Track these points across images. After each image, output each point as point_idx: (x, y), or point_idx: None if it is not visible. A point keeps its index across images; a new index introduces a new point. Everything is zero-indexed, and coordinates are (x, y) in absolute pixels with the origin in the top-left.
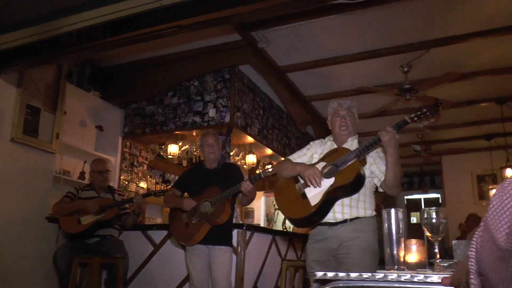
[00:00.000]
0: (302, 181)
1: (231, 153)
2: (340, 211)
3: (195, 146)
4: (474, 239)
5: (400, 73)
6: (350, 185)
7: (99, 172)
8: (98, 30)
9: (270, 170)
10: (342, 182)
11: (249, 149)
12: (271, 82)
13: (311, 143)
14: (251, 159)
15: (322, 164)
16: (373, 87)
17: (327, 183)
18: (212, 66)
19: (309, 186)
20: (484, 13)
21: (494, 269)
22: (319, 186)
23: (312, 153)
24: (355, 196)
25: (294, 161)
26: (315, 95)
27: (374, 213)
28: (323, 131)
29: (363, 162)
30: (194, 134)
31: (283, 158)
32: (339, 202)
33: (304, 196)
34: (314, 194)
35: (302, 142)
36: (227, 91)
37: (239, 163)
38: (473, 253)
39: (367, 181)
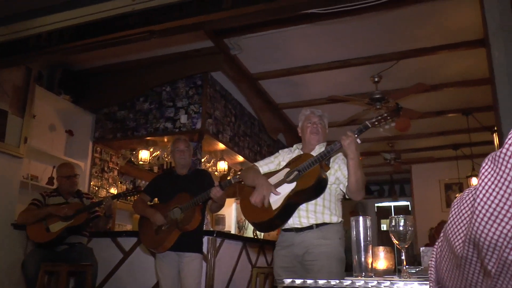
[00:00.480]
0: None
1: (202, 160)
2: (305, 216)
3: (166, 152)
4: (435, 248)
5: (371, 83)
6: (311, 189)
7: (67, 177)
8: (68, 32)
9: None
10: (303, 186)
11: (221, 156)
12: (243, 89)
13: (280, 151)
14: (222, 166)
15: (286, 170)
16: (344, 96)
17: (289, 187)
18: (184, 72)
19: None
20: (451, 27)
21: (451, 278)
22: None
23: (280, 160)
24: (319, 202)
25: (261, 168)
26: (287, 103)
27: (341, 219)
28: (294, 139)
29: (326, 168)
30: (166, 140)
31: None
32: (303, 207)
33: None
34: (276, 199)
35: (274, 149)
36: (199, 97)
37: (210, 169)
38: (433, 262)
39: (333, 187)
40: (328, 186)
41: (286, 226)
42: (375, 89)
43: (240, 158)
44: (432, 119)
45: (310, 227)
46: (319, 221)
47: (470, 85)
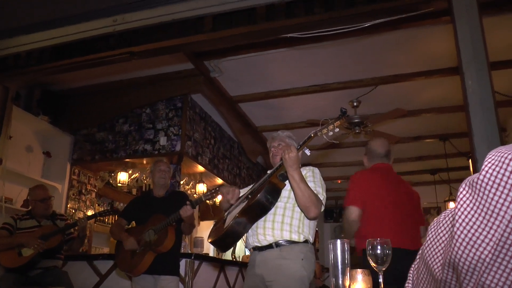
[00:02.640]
0: (229, 209)
1: (182, 182)
2: (262, 233)
3: (145, 174)
4: (410, 271)
5: (350, 107)
6: (254, 206)
7: (42, 200)
8: (48, 52)
9: (212, 191)
10: (248, 203)
11: (200, 178)
12: (222, 112)
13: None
14: (201, 188)
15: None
16: (323, 120)
17: (241, 206)
18: (164, 94)
19: (230, 213)
20: (427, 54)
21: None
22: (232, 200)
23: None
24: (278, 219)
25: (241, 192)
26: (266, 126)
27: (306, 238)
28: None
29: (281, 184)
30: (145, 162)
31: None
32: (261, 225)
33: (225, 221)
34: (229, 219)
35: (253, 172)
36: (178, 119)
37: (189, 192)
38: (410, 285)
39: (293, 204)
40: (287, 202)
41: (250, 245)
42: (354, 113)
43: (219, 181)
44: (410, 144)
45: (270, 246)
46: (278, 239)
47: (447, 111)
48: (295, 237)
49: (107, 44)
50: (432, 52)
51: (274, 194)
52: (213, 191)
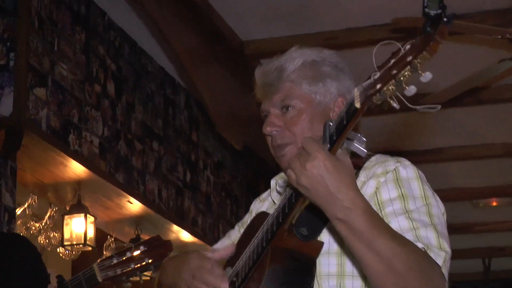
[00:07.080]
0: None
1: (19, 211)
2: None
3: None
4: None
5: None
6: None
7: None
8: None
9: (123, 255)
10: None
11: (76, 200)
12: None
13: (252, 205)
14: (79, 227)
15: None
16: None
17: None
18: None
19: None
20: None
21: None
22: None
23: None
24: None
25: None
26: (268, 39)
27: None
28: None
29: (309, 248)
30: None
31: (188, 239)
32: None
33: None
34: None
35: (234, 180)
36: (4, 21)
37: (42, 239)
38: None
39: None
40: (342, 282)
41: None
42: None
43: (134, 205)
44: None
45: None
46: None
47: None
48: None
49: None
50: None
51: (296, 281)
52: (127, 254)
